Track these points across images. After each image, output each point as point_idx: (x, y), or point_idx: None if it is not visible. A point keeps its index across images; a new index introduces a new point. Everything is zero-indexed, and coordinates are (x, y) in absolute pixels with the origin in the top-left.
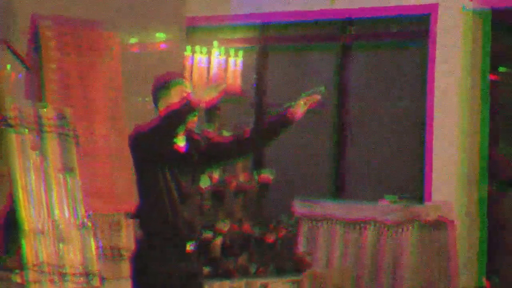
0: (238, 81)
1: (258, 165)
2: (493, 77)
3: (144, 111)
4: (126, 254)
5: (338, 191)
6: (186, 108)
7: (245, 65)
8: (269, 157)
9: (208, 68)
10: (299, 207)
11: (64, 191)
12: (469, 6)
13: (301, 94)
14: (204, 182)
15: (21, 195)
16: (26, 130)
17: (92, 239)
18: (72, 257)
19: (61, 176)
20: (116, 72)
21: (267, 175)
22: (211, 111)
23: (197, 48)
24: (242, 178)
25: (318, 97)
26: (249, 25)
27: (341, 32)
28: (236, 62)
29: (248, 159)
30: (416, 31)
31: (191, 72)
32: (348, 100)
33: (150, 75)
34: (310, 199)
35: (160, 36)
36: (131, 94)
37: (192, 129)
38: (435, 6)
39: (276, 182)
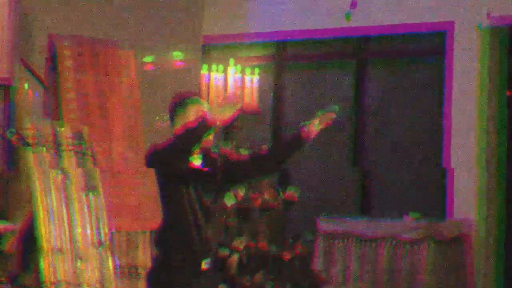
0: (255, 99)
1: (283, 182)
2: (510, 94)
3: (162, 129)
4: (143, 272)
5: (363, 208)
6: (202, 126)
7: (261, 82)
8: (294, 174)
9: (225, 86)
10: (324, 224)
11: (87, 210)
12: (485, 23)
13: (316, 113)
14: (229, 200)
15: (41, 213)
16: (44, 149)
17: (109, 257)
18: (90, 275)
19: (83, 194)
20: (133, 90)
21: (292, 192)
22: (228, 129)
23: (214, 66)
24: (267, 195)
25: (333, 115)
26: (266, 43)
27: (358, 49)
28: (252, 80)
29: (274, 177)
30: (432, 48)
31: (208, 90)
32: (367, 117)
33: (167, 93)
34: (335, 216)
35: (177, 54)
36: (148, 112)
37: (208, 147)
38: (451, 24)
39: (300, 199)
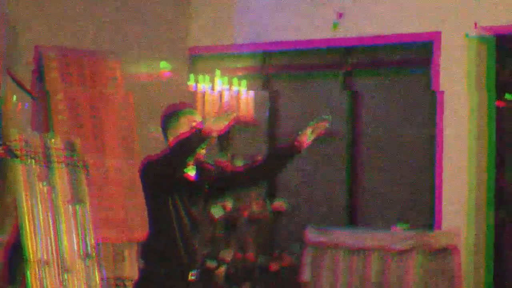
0: (251, 110)
1: (272, 194)
2: (499, 104)
3: (155, 140)
4: (130, 284)
5: (352, 219)
6: (197, 137)
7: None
8: (283, 185)
9: (212, 97)
10: (312, 235)
11: (73, 222)
12: (472, 33)
13: (309, 122)
14: (217, 212)
15: (27, 226)
16: (33, 161)
17: (96, 270)
18: (76, 287)
19: (70, 207)
20: (126, 101)
21: (280, 203)
22: (223, 140)
23: (200, 77)
24: (255, 207)
25: (325, 125)
26: (252, 54)
27: (345, 60)
28: (247, 91)
29: (262, 188)
30: (420, 58)
31: (194, 100)
32: (356, 128)
33: (154, 104)
34: (322, 227)
35: (164, 65)
36: (136, 123)
37: (202, 158)
38: (437, 34)
39: (288, 210)
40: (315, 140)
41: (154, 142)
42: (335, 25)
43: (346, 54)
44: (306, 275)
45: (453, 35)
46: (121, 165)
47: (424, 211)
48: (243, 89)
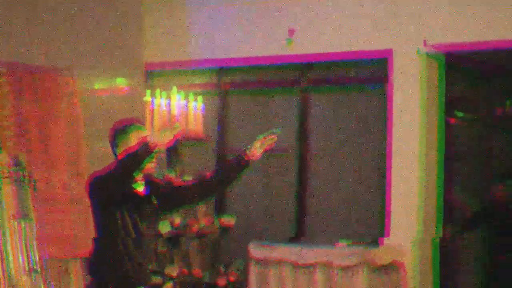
0: (200, 125)
1: (220, 209)
2: (449, 121)
3: (105, 156)
4: None
5: (299, 234)
6: (143, 150)
7: (205, 109)
8: (231, 201)
9: (169, 112)
10: (255, 251)
11: (18, 238)
12: (423, 50)
13: (257, 136)
14: (165, 227)
15: None
16: None
17: (42, 285)
18: None
19: (15, 222)
20: (76, 117)
21: (228, 219)
22: (173, 155)
23: (157, 92)
24: (203, 222)
25: (274, 138)
26: (208, 70)
27: (301, 76)
28: (197, 106)
29: (210, 204)
30: (374, 75)
31: (152, 116)
32: (309, 143)
33: (110, 120)
34: (265, 243)
35: (120, 81)
36: (91, 139)
37: (151, 173)
38: (389, 51)
39: (236, 226)
40: (264, 154)
41: (104, 158)
42: (289, 42)
43: (302, 71)
44: None
45: (404, 52)
46: (68, 180)
47: (372, 226)
48: (192, 104)
